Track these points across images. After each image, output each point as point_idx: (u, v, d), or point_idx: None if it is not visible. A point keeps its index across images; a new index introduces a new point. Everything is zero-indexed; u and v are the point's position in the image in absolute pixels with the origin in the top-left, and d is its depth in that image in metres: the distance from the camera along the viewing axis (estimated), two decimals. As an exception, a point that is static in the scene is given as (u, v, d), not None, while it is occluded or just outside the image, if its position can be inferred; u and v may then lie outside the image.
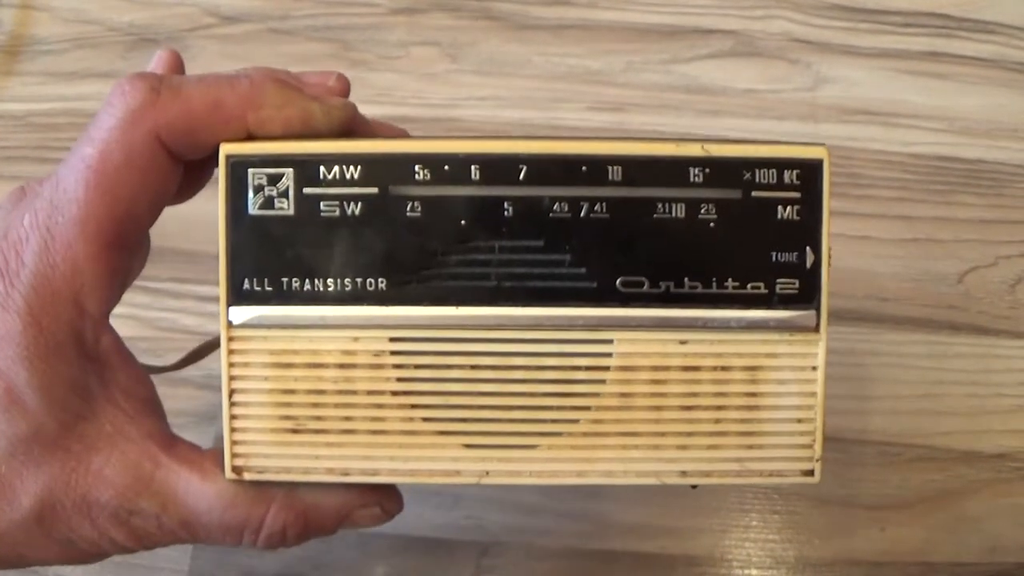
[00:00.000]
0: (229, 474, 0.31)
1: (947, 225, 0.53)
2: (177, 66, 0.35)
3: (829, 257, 0.31)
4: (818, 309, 0.31)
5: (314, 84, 0.33)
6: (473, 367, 0.31)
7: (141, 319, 0.51)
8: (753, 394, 0.31)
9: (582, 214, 0.30)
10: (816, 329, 0.31)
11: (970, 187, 0.53)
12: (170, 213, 0.35)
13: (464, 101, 0.55)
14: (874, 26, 0.57)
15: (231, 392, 0.31)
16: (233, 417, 0.31)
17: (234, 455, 0.31)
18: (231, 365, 0.31)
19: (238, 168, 0.31)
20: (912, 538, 0.47)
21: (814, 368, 0.31)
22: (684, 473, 0.31)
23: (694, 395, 0.31)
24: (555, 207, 0.30)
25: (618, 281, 0.30)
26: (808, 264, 0.30)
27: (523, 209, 0.30)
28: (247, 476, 0.31)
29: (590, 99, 0.55)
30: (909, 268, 0.52)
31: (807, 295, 0.30)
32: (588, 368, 0.31)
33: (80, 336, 0.30)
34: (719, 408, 0.31)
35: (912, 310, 0.51)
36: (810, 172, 0.30)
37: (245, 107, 0.30)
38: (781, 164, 0.30)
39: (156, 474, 0.31)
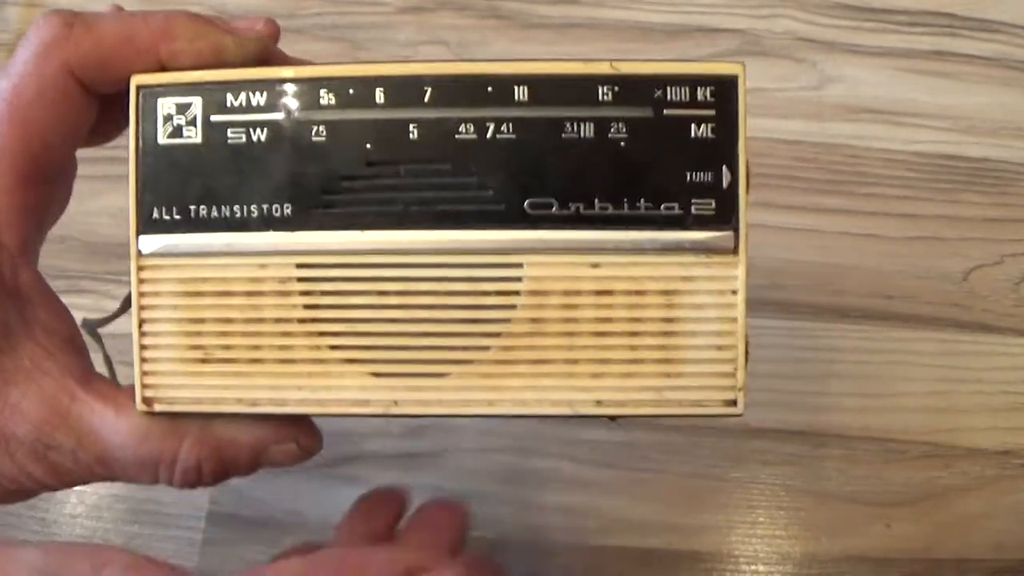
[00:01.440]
0: (140, 405, 0.31)
1: (952, 223, 0.53)
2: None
3: (749, 177, 0.30)
4: (736, 230, 0.29)
5: (241, 27, 0.32)
6: (380, 293, 0.30)
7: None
8: (670, 319, 0.29)
9: (488, 135, 0.29)
10: (735, 251, 0.30)
11: (975, 185, 0.54)
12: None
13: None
14: (879, 25, 0.57)
15: (141, 322, 0.31)
16: (143, 347, 0.31)
17: (144, 386, 0.31)
18: (141, 295, 0.31)
19: (148, 98, 0.30)
20: (917, 535, 0.47)
21: (734, 292, 0.30)
22: (599, 403, 0.30)
23: (607, 320, 0.29)
24: (461, 128, 0.29)
25: (526, 203, 0.29)
26: (725, 184, 0.29)
27: (429, 132, 0.29)
28: (157, 407, 0.31)
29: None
30: (914, 266, 0.52)
31: (724, 216, 0.29)
32: (497, 293, 0.29)
33: None
34: (634, 334, 0.29)
35: (917, 308, 0.51)
36: (724, 89, 0.29)
37: (157, 40, 0.30)
38: (694, 81, 0.29)
39: (72, 408, 0.30)
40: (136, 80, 0.30)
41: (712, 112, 0.29)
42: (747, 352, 0.30)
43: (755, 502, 0.48)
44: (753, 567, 0.47)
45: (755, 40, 0.56)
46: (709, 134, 0.29)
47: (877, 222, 0.53)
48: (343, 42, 0.57)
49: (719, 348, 0.29)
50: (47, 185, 0.31)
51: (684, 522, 0.47)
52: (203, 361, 0.30)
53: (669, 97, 0.29)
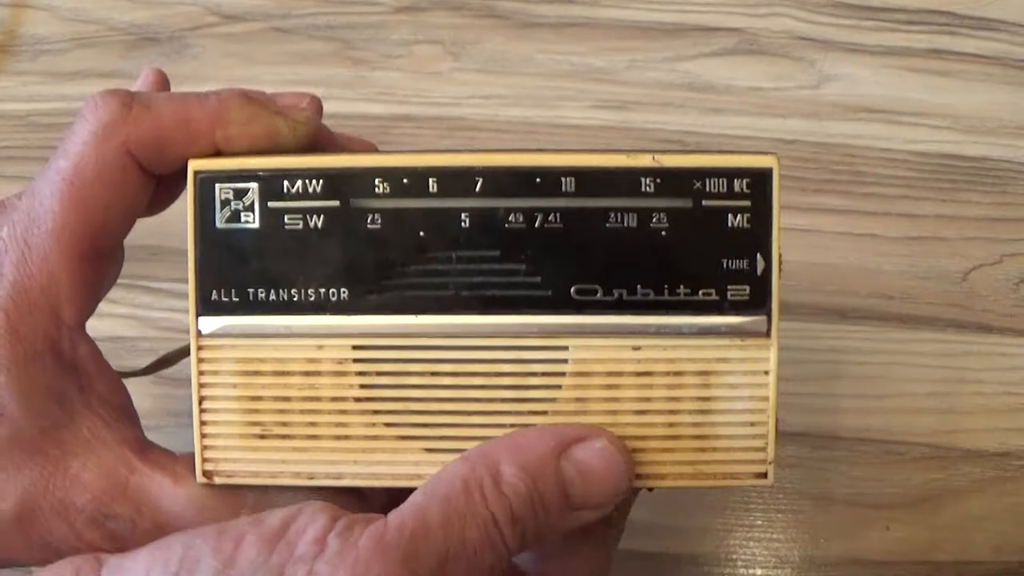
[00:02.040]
0: (200, 478, 0.32)
1: (952, 223, 0.53)
2: (162, 84, 0.37)
3: (780, 264, 0.31)
4: (769, 315, 0.31)
5: (286, 104, 0.34)
6: (432, 374, 0.31)
7: (142, 319, 0.51)
8: (706, 398, 0.31)
9: (536, 224, 0.31)
10: (767, 334, 0.31)
11: (975, 185, 0.53)
12: (170, 214, 0.35)
13: (467, 100, 0.55)
14: (878, 24, 0.57)
15: (201, 399, 0.32)
16: (203, 423, 0.32)
17: (204, 460, 0.32)
18: (200, 373, 0.32)
19: (205, 183, 0.32)
20: (917, 537, 0.47)
21: (766, 372, 0.31)
22: (640, 476, 0.31)
23: (647, 400, 0.31)
24: (510, 218, 0.31)
25: (572, 289, 0.31)
26: (759, 271, 0.31)
27: (479, 220, 0.31)
28: (217, 480, 0.32)
29: (593, 97, 0.55)
30: (914, 266, 0.52)
31: (758, 301, 0.31)
32: (544, 374, 0.31)
33: (57, 345, 0.31)
34: (672, 412, 0.31)
35: (917, 308, 0.51)
36: (760, 180, 0.31)
37: (213, 123, 0.31)
38: (731, 173, 0.31)
39: (131, 479, 0.31)
40: (193, 165, 0.32)
41: (748, 203, 0.31)
42: (777, 426, 0.31)
43: (753, 505, 0.47)
44: (751, 570, 0.46)
45: (753, 39, 0.56)
46: (745, 223, 0.30)
47: (876, 222, 0.52)
48: (337, 42, 0.57)
49: (752, 424, 0.31)
50: (103, 261, 0.33)
51: (682, 525, 0.47)
52: (261, 437, 0.32)
53: (708, 188, 0.30)
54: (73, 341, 0.32)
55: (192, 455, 0.32)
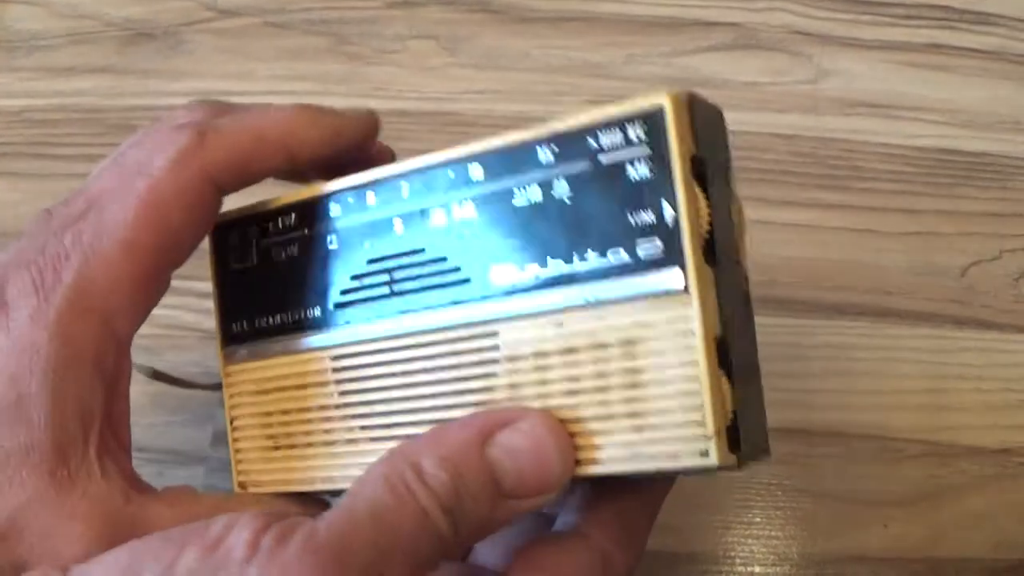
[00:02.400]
0: (236, 488, 0.35)
1: (950, 218, 0.52)
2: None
3: (697, 209, 0.28)
4: (684, 266, 0.27)
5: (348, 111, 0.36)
6: (387, 375, 0.32)
7: (138, 316, 0.51)
8: (633, 370, 0.28)
9: (454, 217, 0.31)
10: (686, 289, 0.27)
11: (973, 180, 0.53)
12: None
13: (462, 95, 0.55)
14: (875, 18, 0.57)
15: (231, 419, 0.36)
16: (235, 440, 0.36)
17: (238, 472, 0.36)
18: (230, 396, 0.36)
19: (220, 233, 0.36)
20: (916, 534, 0.47)
21: (691, 332, 0.27)
22: (580, 462, 0.29)
23: (576, 378, 0.29)
24: (432, 216, 0.31)
25: (491, 275, 0.30)
26: (668, 221, 0.27)
27: (409, 223, 0.32)
28: (250, 489, 0.35)
29: (590, 92, 0.55)
30: (912, 262, 0.51)
31: (671, 254, 0.27)
32: (480, 363, 0.30)
33: (102, 356, 0.32)
34: (601, 389, 0.28)
35: (915, 304, 0.51)
36: (654, 122, 0.28)
37: (284, 135, 0.33)
38: (622, 121, 0.28)
39: (126, 510, 0.31)
40: None
41: (647, 150, 0.28)
42: (721, 393, 0.27)
43: (751, 502, 0.47)
44: (749, 568, 0.46)
45: (751, 33, 0.56)
46: (647, 173, 0.28)
47: (874, 217, 0.52)
48: (331, 37, 0.57)
49: (685, 394, 0.27)
50: (162, 284, 0.33)
51: (680, 522, 0.47)
52: (275, 448, 0.35)
53: (603, 144, 0.28)
54: (118, 356, 0.32)
55: (178, 488, 0.33)
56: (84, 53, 0.58)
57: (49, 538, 0.30)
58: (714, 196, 0.28)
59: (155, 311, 0.50)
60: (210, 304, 0.49)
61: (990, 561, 0.47)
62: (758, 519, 0.47)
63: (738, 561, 0.46)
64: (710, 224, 0.28)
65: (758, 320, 0.47)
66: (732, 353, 0.27)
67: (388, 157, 0.39)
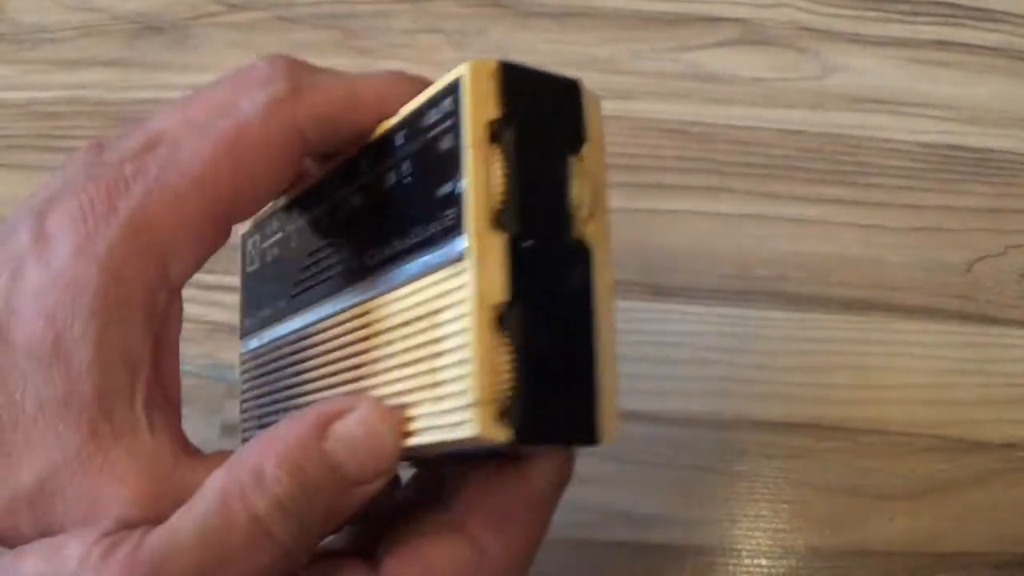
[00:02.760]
0: None
1: (956, 214, 0.53)
2: None
3: (488, 173, 0.27)
4: (468, 232, 0.27)
5: None
6: (304, 360, 0.34)
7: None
8: (436, 340, 0.28)
9: (348, 208, 0.32)
10: (464, 255, 0.27)
11: (979, 176, 0.53)
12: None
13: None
14: (881, 14, 0.57)
15: (242, 402, 0.38)
16: (243, 420, 0.38)
17: None
18: (243, 382, 0.38)
19: (244, 241, 0.39)
20: (921, 528, 0.47)
21: (465, 299, 0.26)
22: (409, 434, 0.28)
23: (403, 353, 0.29)
24: (338, 210, 0.33)
25: (362, 258, 0.31)
26: (460, 187, 0.27)
27: (325, 218, 0.33)
28: None
29: (597, 87, 0.54)
30: (918, 257, 0.52)
31: (460, 220, 0.27)
32: (343, 346, 0.32)
33: (152, 299, 0.28)
34: (418, 362, 0.28)
35: (921, 299, 0.51)
36: (456, 92, 0.28)
37: (381, 98, 0.31)
38: (439, 96, 0.28)
39: (175, 473, 0.28)
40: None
41: (450, 122, 0.28)
42: (517, 362, 0.26)
43: (758, 495, 0.47)
44: (756, 560, 0.46)
45: (757, 29, 0.56)
46: (450, 143, 0.28)
47: (880, 213, 0.52)
48: (340, 31, 0.57)
49: (464, 363, 0.26)
50: (224, 235, 0.31)
51: (686, 516, 0.47)
52: (265, 427, 0.35)
53: (431, 121, 0.29)
54: (170, 302, 0.29)
55: (227, 454, 0.30)
56: (92, 46, 0.58)
57: (86, 502, 0.27)
58: (524, 163, 0.27)
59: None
60: (217, 296, 0.50)
61: (995, 555, 0.47)
62: (765, 512, 0.47)
63: (745, 554, 0.46)
64: (505, 189, 0.27)
65: (765, 314, 0.47)
66: (523, 323, 0.26)
67: None
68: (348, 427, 0.27)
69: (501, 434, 0.26)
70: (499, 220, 0.27)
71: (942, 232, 0.52)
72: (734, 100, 0.55)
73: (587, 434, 0.27)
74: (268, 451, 0.26)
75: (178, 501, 0.27)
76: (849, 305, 0.51)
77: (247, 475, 0.26)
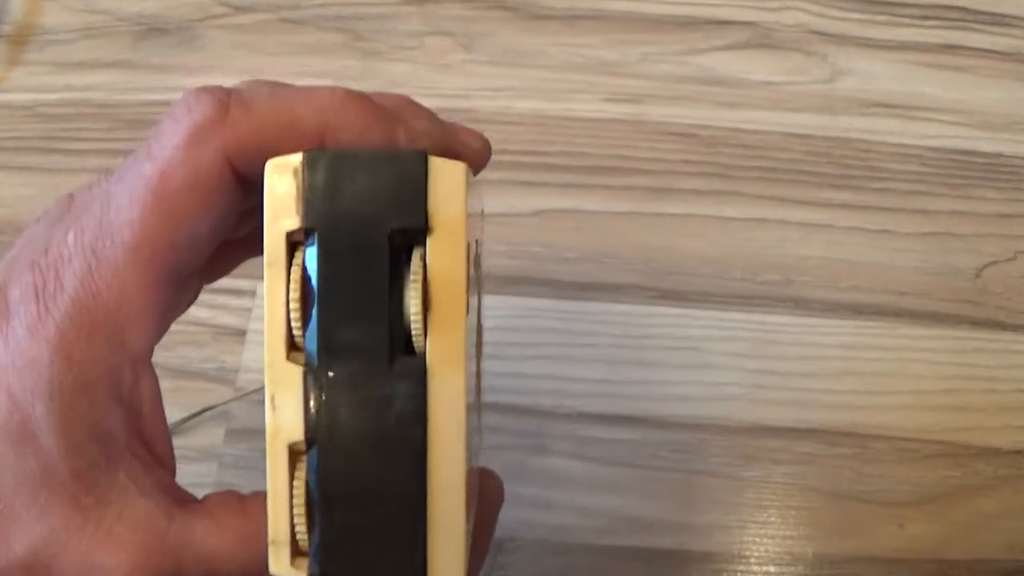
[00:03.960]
0: None
1: (966, 219, 0.52)
2: None
3: (284, 291, 0.25)
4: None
5: (461, 131, 0.31)
6: None
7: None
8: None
9: None
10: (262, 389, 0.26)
11: (989, 181, 0.53)
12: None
13: (478, 92, 0.55)
14: (891, 18, 0.56)
15: None
16: None
17: None
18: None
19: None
20: (930, 535, 0.47)
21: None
22: None
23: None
24: None
25: None
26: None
27: None
28: None
29: (605, 90, 0.55)
30: (927, 262, 0.51)
31: None
32: None
33: (115, 376, 0.27)
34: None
35: (930, 304, 0.51)
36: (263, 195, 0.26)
37: (322, 127, 0.27)
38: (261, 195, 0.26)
39: (171, 530, 0.27)
40: None
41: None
42: (312, 509, 0.25)
43: (766, 501, 0.47)
44: (764, 567, 0.46)
45: (765, 33, 0.56)
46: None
47: (890, 217, 0.52)
48: (347, 33, 0.56)
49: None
50: (181, 286, 0.29)
51: (694, 521, 0.47)
52: None
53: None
54: (135, 373, 0.28)
55: (217, 494, 0.29)
56: (96, 48, 0.57)
57: (85, 569, 0.26)
58: (330, 278, 0.24)
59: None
60: (223, 300, 0.49)
61: (1004, 562, 0.46)
62: (773, 519, 0.47)
63: (753, 560, 0.46)
64: (299, 312, 0.24)
65: (775, 319, 0.47)
66: (320, 465, 0.24)
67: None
68: None
69: (288, 571, 0.25)
70: (291, 346, 0.24)
71: (952, 237, 0.52)
72: (743, 104, 0.54)
73: None
74: None
75: (177, 556, 0.27)
76: (858, 310, 0.50)
77: None
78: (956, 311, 0.51)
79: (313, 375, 0.24)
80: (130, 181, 0.27)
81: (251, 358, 0.49)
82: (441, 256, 0.24)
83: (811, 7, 0.56)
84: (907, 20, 0.56)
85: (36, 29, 0.58)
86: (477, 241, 0.30)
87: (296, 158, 0.24)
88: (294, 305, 0.24)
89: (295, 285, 0.24)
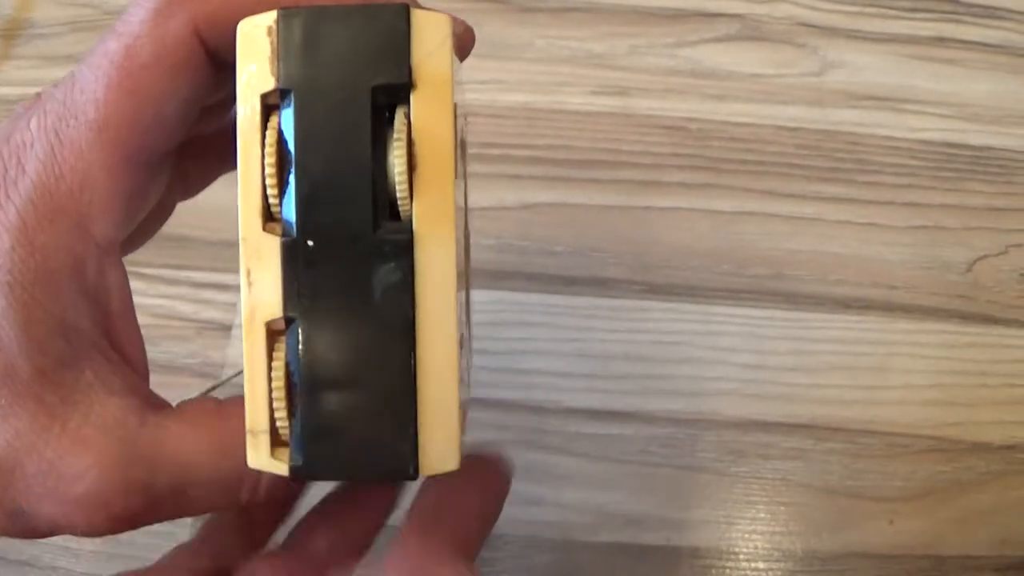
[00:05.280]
0: None
1: (956, 213, 0.52)
2: None
3: (258, 158, 0.23)
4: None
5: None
6: None
7: (136, 306, 0.50)
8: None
9: None
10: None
11: (979, 174, 0.53)
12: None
13: (465, 84, 0.54)
14: (881, 11, 0.56)
15: None
16: None
17: None
18: None
19: None
20: (921, 531, 0.47)
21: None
22: None
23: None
24: None
25: None
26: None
27: None
28: None
29: (594, 83, 0.54)
30: (918, 256, 0.51)
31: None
32: None
33: (80, 266, 0.26)
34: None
35: (921, 299, 0.50)
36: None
37: None
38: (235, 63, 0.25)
39: (142, 433, 0.25)
40: None
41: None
42: (290, 389, 0.24)
43: (756, 497, 0.47)
44: (753, 564, 0.46)
45: (755, 25, 0.55)
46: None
47: (879, 211, 0.52)
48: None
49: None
50: (150, 170, 0.27)
51: (683, 517, 0.46)
52: None
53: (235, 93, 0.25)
54: (101, 264, 0.26)
55: (197, 401, 0.28)
56: (83, 41, 0.57)
57: (51, 475, 0.25)
58: (309, 141, 0.22)
59: (151, 301, 0.50)
60: (208, 295, 0.49)
61: (995, 558, 0.46)
62: (762, 514, 0.46)
63: (742, 556, 0.46)
64: (275, 179, 0.23)
65: (764, 313, 0.47)
66: (305, 344, 0.23)
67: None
68: None
69: (275, 467, 0.23)
70: (274, 218, 0.23)
71: (942, 231, 0.52)
72: (732, 96, 0.54)
73: (398, 469, 0.23)
74: None
75: (150, 461, 0.25)
76: (848, 304, 0.50)
77: None
78: (947, 305, 0.50)
79: (291, 246, 0.22)
80: (94, 61, 0.26)
81: (236, 353, 0.48)
82: (426, 113, 0.22)
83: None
84: (897, 13, 0.56)
85: (24, 23, 0.58)
86: (466, 117, 0.28)
87: (270, 16, 0.23)
88: (270, 171, 0.23)
89: (270, 150, 0.22)
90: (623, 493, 0.47)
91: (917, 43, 0.55)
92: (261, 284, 0.22)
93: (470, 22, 0.55)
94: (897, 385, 0.49)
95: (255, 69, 0.23)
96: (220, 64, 0.26)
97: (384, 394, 0.22)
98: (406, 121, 0.22)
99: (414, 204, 0.22)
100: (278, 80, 0.22)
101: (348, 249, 0.22)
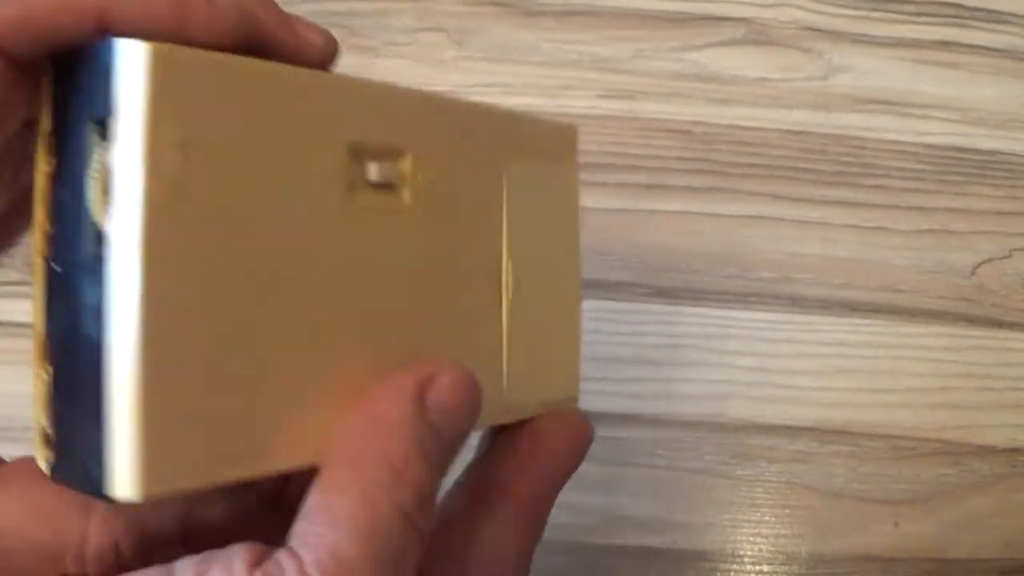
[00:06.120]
0: None
1: (961, 216, 0.52)
2: None
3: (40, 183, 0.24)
4: None
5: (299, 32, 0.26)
6: None
7: None
8: None
9: None
10: None
11: (985, 178, 0.53)
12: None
13: (472, 88, 0.54)
14: (886, 15, 0.56)
15: None
16: None
17: None
18: None
19: None
20: (926, 534, 0.47)
21: None
22: None
23: None
24: None
25: None
26: None
27: None
28: None
29: (599, 86, 0.54)
30: (923, 260, 0.51)
31: None
32: None
33: None
34: None
35: (926, 302, 0.50)
36: None
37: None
38: None
39: None
40: None
41: None
42: (52, 397, 0.24)
43: (761, 500, 0.47)
44: (759, 567, 0.46)
45: (761, 29, 0.56)
46: None
47: (885, 215, 0.52)
48: (341, 29, 0.56)
49: None
50: None
51: (688, 520, 0.47)
52: None
53: None
54: None
55: (26, 458, 0.25)
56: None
57: None
58: (60, 169, 0.23)
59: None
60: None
61: (1000, 561, 0.46)
62: (768, 517, 0.47)
63: (747, 559, 0.46)
64: (36, 203, 0.23)
65: (767, 316, 0.47)
66: (54, 356, 0.23)
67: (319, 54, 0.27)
68: (441, 395, 0.26)
69: (44, 466, 0.23)
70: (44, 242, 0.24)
71: (947, 234, 0.52)
72: (737, 100, 0.54)
73: (92, 485, 0.22)
74: (385, 436, 0.24)
75: None
76: (853, 308, 0.50)
77: (385, 473, 0.23)
78: (952, 308, 0.50)
79: (47, 268, 0.23)
80: None
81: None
82: (122, 142, 0.21)
83: (806, 3, 0.56)
84: (902, 17, 0.56)
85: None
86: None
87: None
88: (39, 194, 0.23)
89: (47, 176, 0.23)
90: (628, 496, 0.47)
91: (922, 47, 0.55)
92: (36, 300, 0.24)
93: (476, 25, 0.55)
94: (902, 388, 0.49)
95: (47, 110, 0.23)
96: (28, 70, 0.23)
97: (92, 410, 0.22)
98: (103, 153, 0.22)
99: (110, 230, 0.22)
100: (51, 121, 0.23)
101: (75, 269, 0.23)
